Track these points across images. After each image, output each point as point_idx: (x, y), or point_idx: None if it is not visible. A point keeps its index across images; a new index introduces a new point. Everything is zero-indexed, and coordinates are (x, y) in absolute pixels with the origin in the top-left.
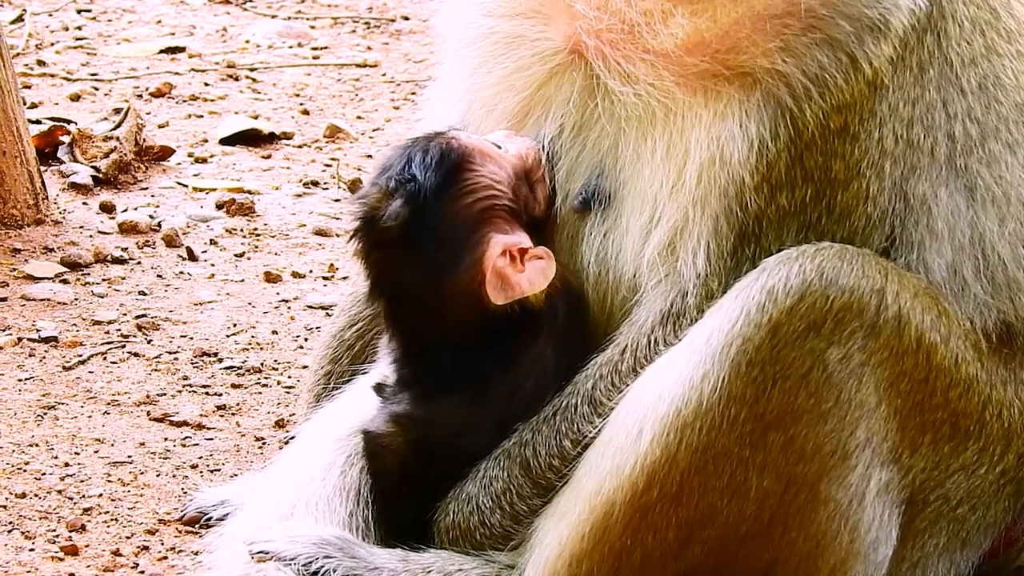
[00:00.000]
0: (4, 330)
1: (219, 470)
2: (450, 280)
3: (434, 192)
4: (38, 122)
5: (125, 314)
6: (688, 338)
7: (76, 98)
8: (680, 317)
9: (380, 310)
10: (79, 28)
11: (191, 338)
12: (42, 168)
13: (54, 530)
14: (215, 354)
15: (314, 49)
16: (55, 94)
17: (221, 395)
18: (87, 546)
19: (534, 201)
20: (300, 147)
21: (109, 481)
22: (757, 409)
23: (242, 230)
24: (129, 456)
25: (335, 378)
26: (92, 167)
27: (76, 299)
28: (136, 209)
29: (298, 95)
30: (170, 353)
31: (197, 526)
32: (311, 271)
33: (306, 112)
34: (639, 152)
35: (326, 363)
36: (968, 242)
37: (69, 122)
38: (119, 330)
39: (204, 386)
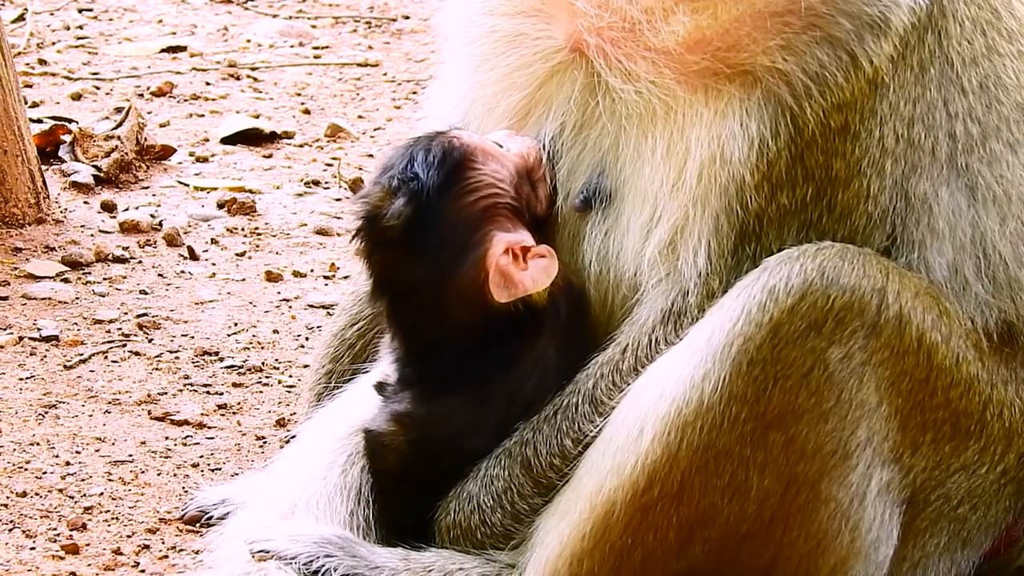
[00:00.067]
0: (5, 329)
1: (220, 469)
2: (453, 278)
3: (437, 191)
4: (39, 121)
5: (126, 313)
6: (689, 337)
7: (77, 97)
8: (681, 316)
9: (382, 309)
10: (80, 27)
11: (192, 337)
12: (43, 167)
13: (55, 529)
14: (216, 353)
15: (315, 48)
16: (56, 93)
17: (222, 394)
18: (88, 545)
19: (536, 200)
20: (301, 146)
21: (110, 480)
22: (758, 408)
23: (243, 229)
24: (130, 455)
25: (336, 377)
26: (93, 166)
27: (77, 298)
28: (137, 208)
29: (299, 94)
30: (171, 352)
31: (198, 525)
32: (312, 270)
33: (307, 111)
34: (640, 150)
35: (327, 362)
36: (969, 241)
37: (70, 121)
38: (120, 329)
39: (205, 385)
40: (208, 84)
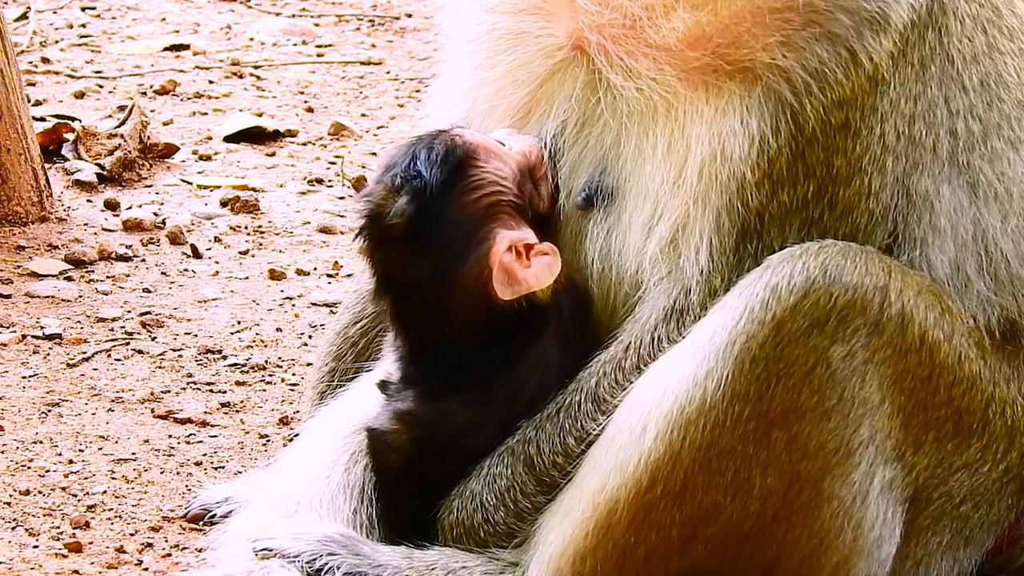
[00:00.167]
0: (8, 327)
1: (223, 467)
2: (456, 276)
3: (440, 188)
4: (42, 119)
5: (129, 311)
6: (692, 335)
7: (80, 95)
8: (683, 314)
9: (385, 308)
10: (83, 25)
11: (195, 335)
12: (46, 165)
13: (58, 527)
14: (219, 351)
15: (318, 47)
16: (59, 91)
17: (225, 392)
18: (91, 543)
19: (538, 198)
20: (304, 145)
21: (113, 478)
22: (761, 406)
23: (246, 227)
24: (133, 453)
25: (339, 375)
26: (96, 164)
27: (80, 296)
28: (140, 206)
29: (302, 92)
30: (174, 350)
31: (201, 523)
32: (315, 268)
33: (310, 110)
34: (641, 148)
35: (330, 360)
36: (971, 239)
37: (73, 119)
38: (123, 327)
39: (208, 383)
40: (211, 82)
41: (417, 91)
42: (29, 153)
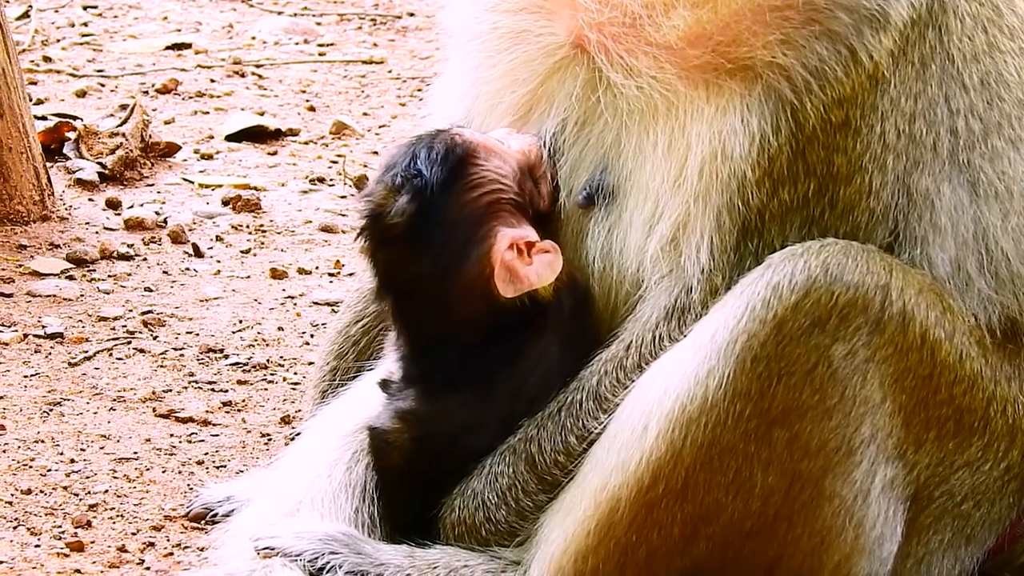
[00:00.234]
0: (10, 326)
1: (225, 466)
2: (458, 274)
3: (440, 187)
4: (44, 118)
5: (131, 310)
6: (693, 334)
7: (82, 94)
8: (684, 313)
9: (387, 307)
10: (85, 24)
11: (197, 334)
12: (48, 164)
13: (60, 526)
14: (221, 350)
15: (320, 46)
16: (61, 90)
17: (227, 391)
18: (93, 542)
19: (538, 196)
20: (306, 144)
21: (115, 477)
22: (762, 405)
23: (248, 226)
24: (135, 452)
25: (341, 374)
26: (98, 163)
27: (82, 295)
28: (142, 205)
29: (304, 91)
30: (176, 349)
31: (203, 522)
32: (317, 267)
33: (312, 108)
34: (641, 146)
35: (332, 359)
36: (971, 237)
37: (75, 118)
38: (125, 326)
39: (210, 382)
40: (213, 81)
41: (419, 90)
42: (31, 152)
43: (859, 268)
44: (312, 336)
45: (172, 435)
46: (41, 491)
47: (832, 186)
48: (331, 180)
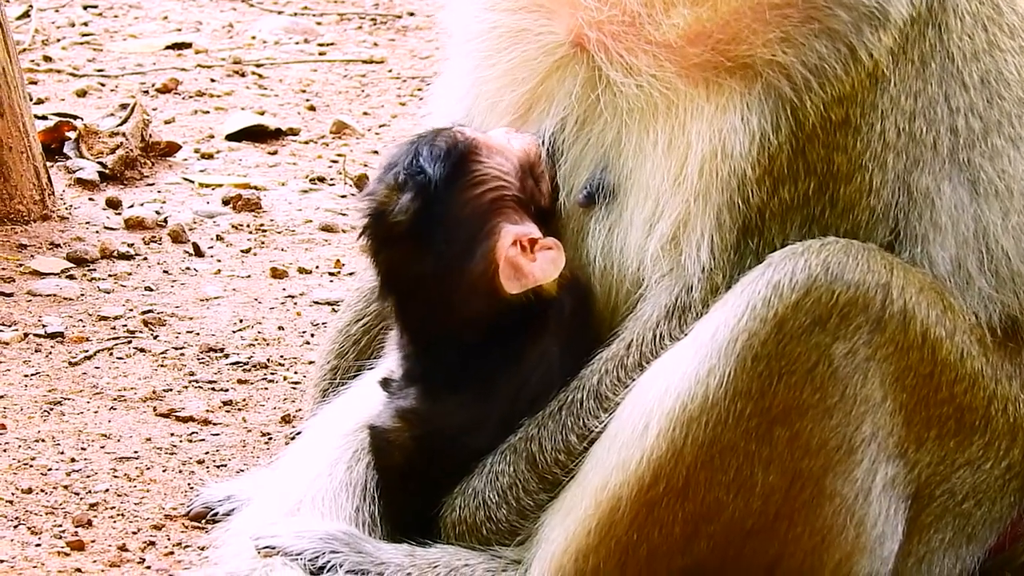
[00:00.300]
0: (10, 326)
1: (225, 465)
2: (462, 272)
3: (444, 184)
4: (44, 118)
5: (131, 310)
6: (693, 333)
7: (82, 94)
8: (685, 311)
9: (389, 306)
10: (85, 24)
11: (197, 334)
12: (48, 164)
13: (60, 525)
14: (221, 350)
15: (320, 45)
16: (61, 90)
17: (227, 391)
18: (93, 541)
19: (539, 194)
20: (306, 143)
21: (115, 476)
22: (763, 404)
23: (248, 226)
24: (135, 451)
25: (341, 373)
26: (98, 163)
27: (82, 295)
28: (142, 205)
29: (304, 91)
30: (176, 349)
31: (203, 521)
32: (317, 267)
33: (312, 108)
34: (642, 145)
35: (332, 358)
36: (972, 236)
37: (75, 118)
38: (125, 326)
39: (210, 382)
40: (213, 81)
41: (419, 89)
42: (31, 151)
43: (860, 267)
44: (312, 335)
45: (173, 434)
46: (42, 490)
47: (832, 184)
48: (331, 179)
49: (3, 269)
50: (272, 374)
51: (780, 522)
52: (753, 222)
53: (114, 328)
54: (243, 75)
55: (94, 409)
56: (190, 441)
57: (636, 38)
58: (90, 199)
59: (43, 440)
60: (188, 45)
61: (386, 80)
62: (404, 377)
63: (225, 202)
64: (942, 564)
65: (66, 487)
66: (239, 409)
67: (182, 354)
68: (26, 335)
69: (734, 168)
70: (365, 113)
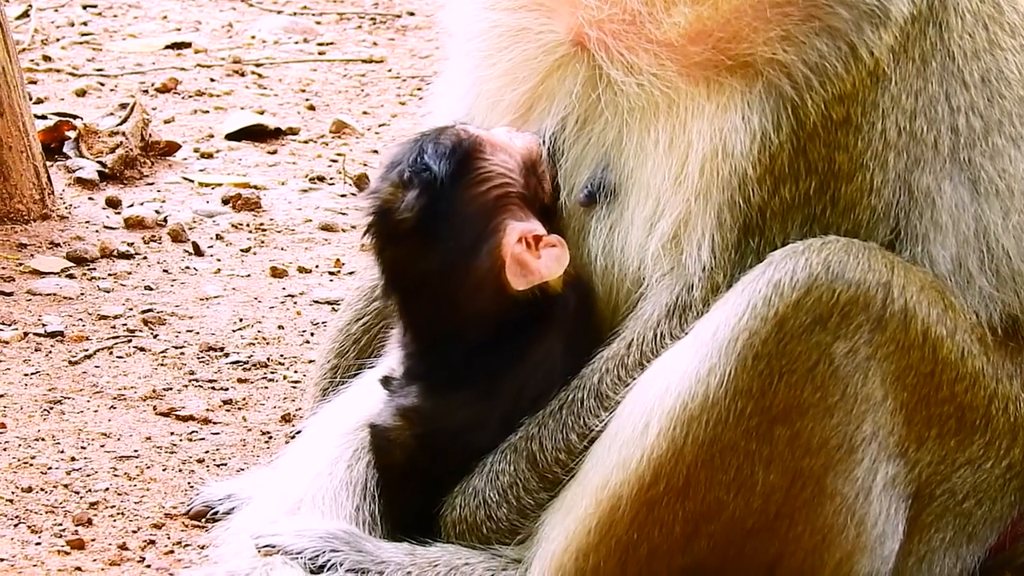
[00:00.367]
0: (10, 325)
1: (225, 464)
2: (468, 269)
3: (449, 181)
4: (44, 117)
5: (131, 309)
6: (694, 332)
7: (82, 93)
8: (686, 310)
9: (393, 305)
10: (84, 24)
11: (197, 333)
12: (48, 163)
13: (60, 524)
14: (221, 349)
15: (320, 45)
16: (61, 89)
17: (227, 390)
18: (93, 540)
19: (542, 191)
20: (306, 142)
21: (115, 475)
22: (763, 403)
23: (248, 225)
24: (135, 450)
25: (342, 372)
26: (98, 162)
27: (82, 294)
28: (142, 204)
29: (304, 90)
30: (176, 348)
31: (204, 520)
32: (317, 266)
33: (312, 107)
34: (643, 144)
35: (332, 357)
36: (972, 235)
37: (75, 117)
38: (125, 325)
39: (210, 381)
40: (213, 80)
41: (419, 89)
42: (31, 151)
43: (861, 266)
44: (312, 334)
45: (173, 433)
46: (42, 489)
47: (833, 184)
48: (331, 179)
49: (3, 268)
50: (272, 373)
51: (780, 521)
52: (754, 221)
53: (114, 327)
54: (243, 75)
55: (94, 408)
56: (190, 440)
57: (637, 37)
58: (90, 198)
59: (43, 439)
60: (188, 45)
61: (386, 79)
62: (405, 375)
63: (225, 201)
64: (943, 563)
65: (66, 486)
66: (239, 408)
67: (182, 353)
68: (26, 334)
69: (735, 167)
70: (365, 112)
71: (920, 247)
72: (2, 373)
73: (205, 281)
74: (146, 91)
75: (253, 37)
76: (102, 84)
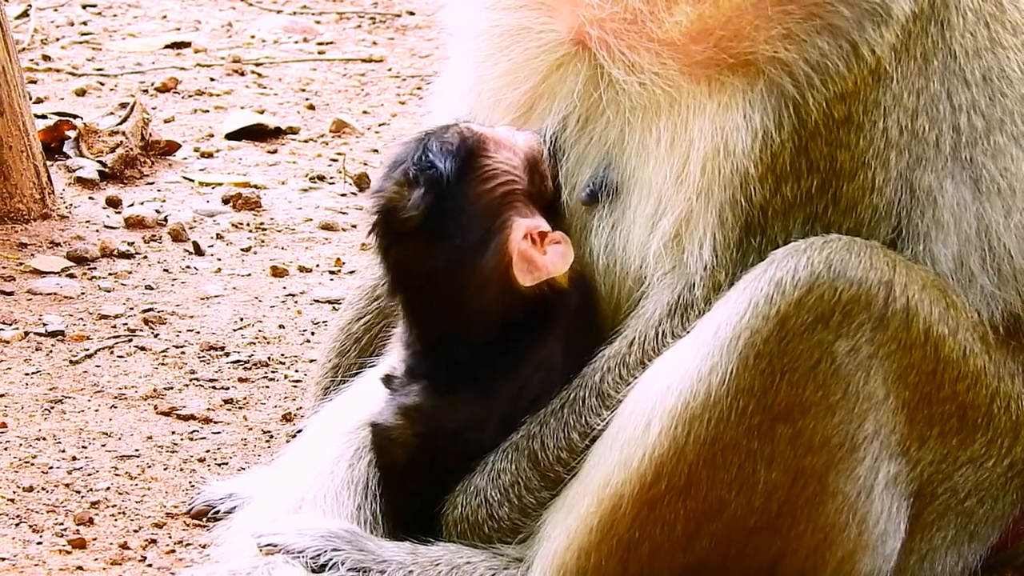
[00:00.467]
0: (11, 324)
1: (226, 463)
2: (475, 266)
3: (456, 178)
4: (44, 117)
5: (132, 308)
6: (696, 330)
7: (82, 93)
8: (687, 309)
9: (399, 304)
10: (84, 23)
11: (198, 332)
12: (48, 163)
13: (62, 523)
14: (222, 348)
15: (319, 44)
16: (61, 89)
17: (228, 389)
18: (95, 539)
19: (545, 188)
20: (306, 142)
21: (116, 475)
22: (765, 401)
23: (248, 224)
24: (136, 450)
25: (343, 371)
26: (98, 162)
27: (83, 293)
28: (142, 204)
29: (304, 90)
30: (177, 347)
31: (205, 519)
32: (317, 265)
33: (312, 107)
34: (644, 143)
35: (333, 356)
36: (974, 233)
37: (75, 117)
38: (126, 324)
39: (211, 380)
40: (212, 80)
41: (419, 88)
42: (31, 150)
43: (862, 264)
44: (313, 334)
45: (174, 432)
46: (43, 488)
47: (835, 182)
48: (331, 178)
49: (3, 268)
50: (273, 372)
51: (782, 520)
52: (756, 220)
53: (115, 327)
54: (242, 74)
55: (95, 407)
56: (191, 439)
57: (638, 36)
58: (90, 198)
59: (44, 438)
60: (187, 44)
61: (385, 79)
62: (407, 374)
63: (225, 201)
64: (944, 562)
65: (67, 485)
66: (240, 407)
67: (183, 352)
68: (27, 334)
69: (737, 166)
70: (365, 112)
71: (922, 245)
72: (3, 373)
73: (206, 280)
74: (146, 91)
75: (253, 36)
76: (102, 84)
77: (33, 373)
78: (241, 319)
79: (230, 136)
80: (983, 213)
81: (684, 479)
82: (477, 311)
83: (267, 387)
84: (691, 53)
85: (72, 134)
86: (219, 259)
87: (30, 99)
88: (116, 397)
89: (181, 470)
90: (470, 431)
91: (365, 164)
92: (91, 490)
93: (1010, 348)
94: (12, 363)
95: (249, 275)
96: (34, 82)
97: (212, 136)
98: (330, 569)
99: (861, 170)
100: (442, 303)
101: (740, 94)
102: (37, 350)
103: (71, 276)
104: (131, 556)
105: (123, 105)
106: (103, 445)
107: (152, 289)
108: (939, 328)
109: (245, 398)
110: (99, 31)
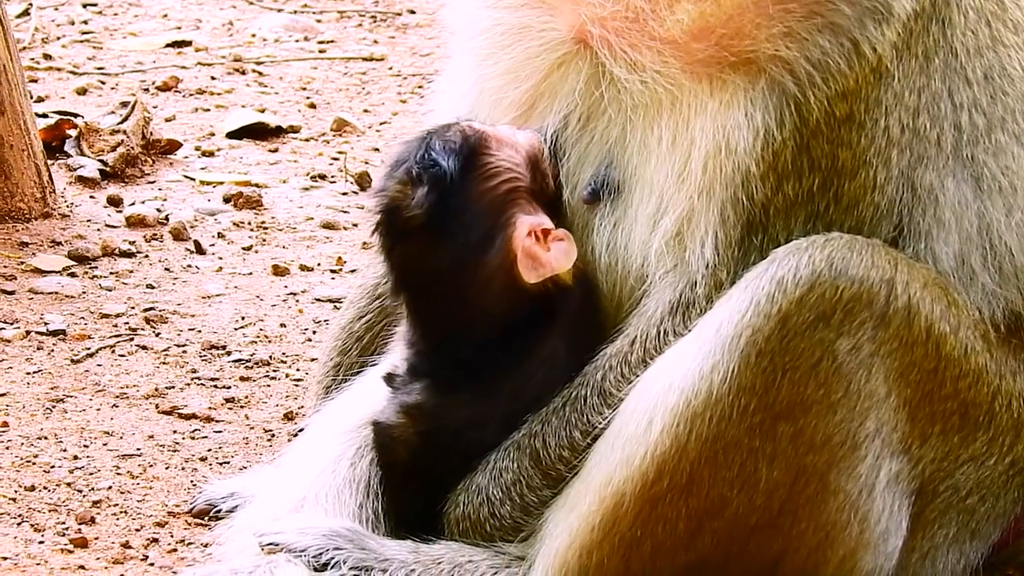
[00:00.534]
0: (12, 323)
1: (228, 462)
2: (479, 264)
3: (459, 176)
4: (45, 116)
5: (133, 307)
6: (697, 328)
7: (83, 92)
8: (689, 307)
9: (403, 303)
10: (85, 22)
11: (199, 331)
12: (49, 162)
13: (63, 523)
14: (223, 347)
15: (320, 43)
16: (61, 88)
17: (230, 388)
18: (96, 538)
19: (546, 186)
20: (307, 140)
21: (118, 474)
22: (767, 399)
23: (249, 223)
24: (138, 449)
25: (344, 370)
26: (99, 161)
27: (84, 292)
28: (143, 203)
29: (305, 89)
30: (178, 346)
31: (207, 518)
32: (319, 264)
33: (313, 106)
34: (646, 141)
35: (335, 355)
36: (975, 232)
37: (76, 116)
38: (127, 323)
39: (213, 379)
40: (213, 78)
41: (419, 87)
42: (32, 149)
43: (864, 262)
44: (314, 333)
45: (175, 431)
46: (45, 487)
47: (837, 180)
48: (332, 177)
49: (4, 267)
50: (274, 371)
51: (784, 518)
52: (757, 218)
53: (116, 326)
54: (243, 73)
55: (96, 407)
56: (192, 438)
57: (640, 34)
58: (91, 197)
59: (46, 438)
60: (188, 43)
61: (386, 78)
62: (409, 372)
63: (226, 200)
64: (946, 560)
65: (69, 484)
66: (241, 406)
67: (184, 351)
68: (28, 333)
69: (738, 164)
70: (366, 111)
71: (923, 244)
72: (4, 372)
73: (207, 279)
74: (147, 89)
75: (254, 35)
76: (103, 82)
77: (34, 372)
78: (242, 318)
79: (231, 135)
80: (984, 211)
81: (686, 477)
82: (481, 309)
83: (268, 386)
84: (693, 51)
85: (73, 133)
86: (220, 258)
87: (31, 98)
88: (117, 396)
89: (183, 469)
90: (472, 429)
91: (366, 163)
92: (93, 489)
93: (1011, 346)
94: (13, 362)
95: (250, 274)
96: (35, 81)
97: (213, 135)
98: (332, 568)
99: (862, 168)
100: (446, 301)
101: (742, 92)
102: (38, 349)
103: (72, 275)
104: (133, 555)
105: (124, 104)
106: (104, 444)
107: (153, 288)
108: (940, 326)
109: (247, 397)
110: (100, 30)
